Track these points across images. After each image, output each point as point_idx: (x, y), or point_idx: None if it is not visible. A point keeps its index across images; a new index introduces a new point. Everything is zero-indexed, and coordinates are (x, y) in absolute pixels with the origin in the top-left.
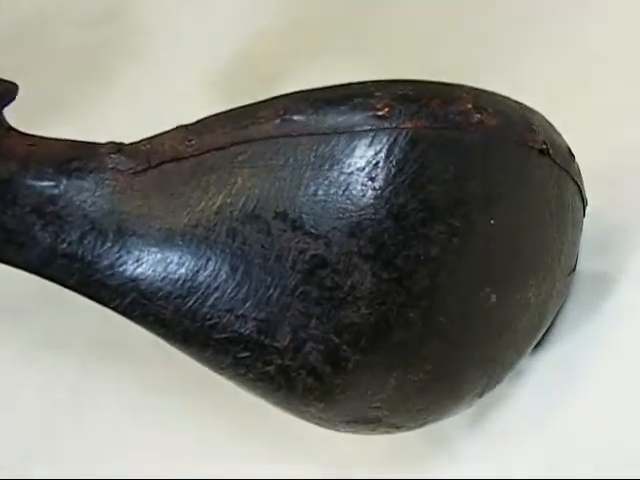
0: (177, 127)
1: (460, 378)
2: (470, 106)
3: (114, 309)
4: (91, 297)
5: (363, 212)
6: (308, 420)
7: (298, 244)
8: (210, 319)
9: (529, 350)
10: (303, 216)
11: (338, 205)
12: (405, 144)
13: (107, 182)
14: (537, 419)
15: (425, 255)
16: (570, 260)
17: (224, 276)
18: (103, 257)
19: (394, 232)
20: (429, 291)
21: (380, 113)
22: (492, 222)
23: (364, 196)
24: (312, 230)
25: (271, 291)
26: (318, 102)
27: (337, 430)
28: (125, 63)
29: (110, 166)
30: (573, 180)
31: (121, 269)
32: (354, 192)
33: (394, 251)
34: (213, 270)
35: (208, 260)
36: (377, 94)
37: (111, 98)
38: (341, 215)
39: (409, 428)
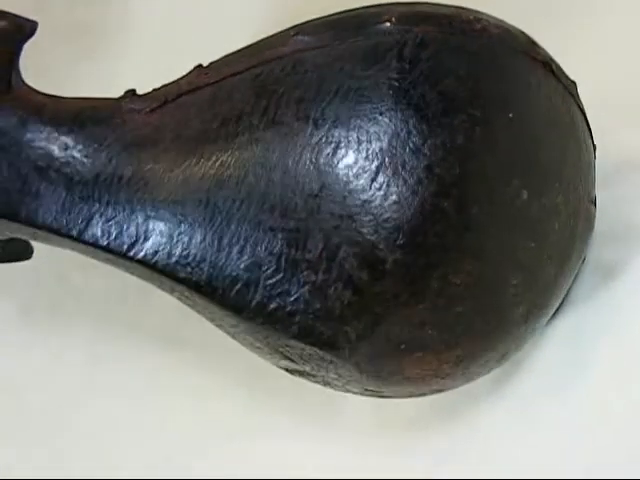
0: (193, 68)
1: (501, 286)
2: (472, 17)
3: (132, 258)
4: (109, 247)
5: (383, 104)
6: (343, 368)
7: (321, 140)
8: (237, 242)
9: (565, 276)
10: (325, 113)
11: (358, 101)
12: (416, 44)
13: (124, 122)
14: (554, 390)
15: (451, 143)
16: (589, 186)
17: (248, 188)
18: (121, 193)
19: (417, 121)
20: (460, 179)
21: (388, 23)
22: (510, 116)
23: (381, 90)
24: (334, 125)
25: (297, 196)
26: (328, 22)
27: (375, 380)
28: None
29: (126, 108)
30: (579, 107)
31: (140, 206)
32: (371, 89)
33: (421, 140)
34: (237, 184)
35: (230, 175)
36: (385, 10)
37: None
38: (361, 110)
39: (454, 362)
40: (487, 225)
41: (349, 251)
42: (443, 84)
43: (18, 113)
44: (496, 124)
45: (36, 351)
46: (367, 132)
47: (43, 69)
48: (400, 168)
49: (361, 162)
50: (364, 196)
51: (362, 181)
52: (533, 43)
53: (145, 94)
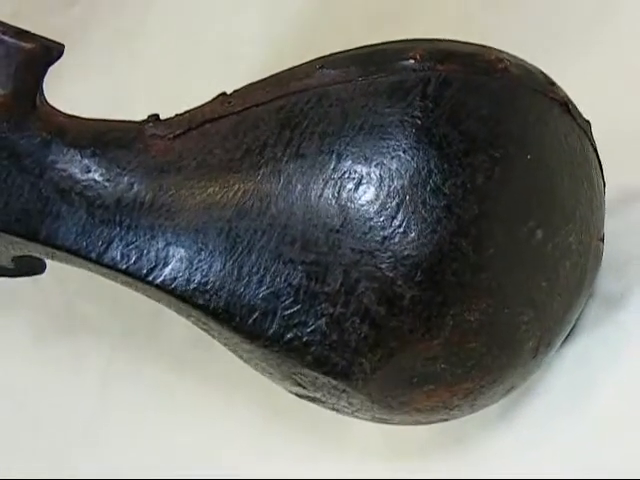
0: (216, 96)
1: (513, 323)
2: (494, 57)
3: (150, 282)
4: (127, 270)
5: (406, 141)
6: (356, 397)
7: (343, 175)
8: (257, 272)
9: (573, 313)
10: (348, 148)
11: (381, 138)
12: (439, 83)
13: (146, 147)
14: (561, 415)
15: (471, 183)
16: (599, 224)
17: (269, 219)
18: (142, 218)
19: (439, 161)
20: (478, 219)
21: (413, 60)
22: (529, 157)
23: (404, 128)
24: (357, 161)
25: (318, 230)
26: (354, 56)
27: (385, 410)
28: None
29: (149, 133)
30: (592, 145)
31: (160, 231)
32: (394, 126)
33: (442, 179)
34: (258, 215)
35: (252, 206)
36: (410, 46)
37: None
38: (384, 146)
39: (464, 394)
40: (503, 264)
41: (368, 286)
42: (465, 124)
43: (42, 135)
44: (515, 165)
45: (50, 374)
46: (389, 169)
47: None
48: (420, 206)
49: (382, 199)
50: (384, 233)
51: (383, 218)
52: (552, 83)
53: (168, 119)
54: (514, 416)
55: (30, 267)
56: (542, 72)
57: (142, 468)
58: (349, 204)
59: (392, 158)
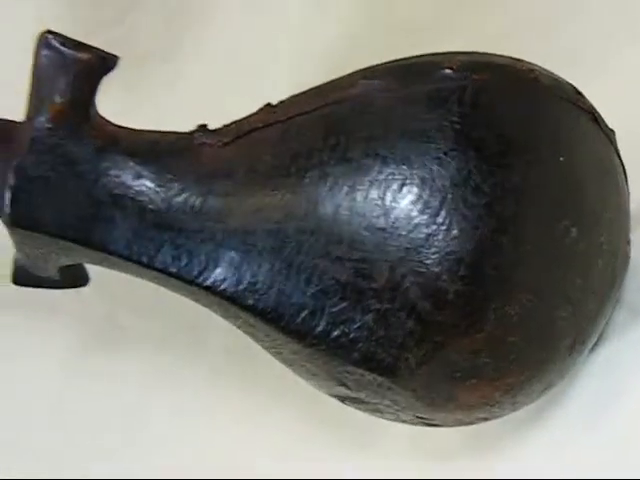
0: (262, 107)
1: (551, 318)
2: (525, 68)
3: (200, 284)
4: (178, 273)
5: (446, 144)
6: (400, 395)
7: (388, 177)
8: (305, 270)
9: (604, 314)
10: (392, 151)
11: (423, 142)
12: (475, 91)
13: (196, 155)
14: (592, 419)
15: (508, 182)
16: (626, 227)
17: (317, 220)
18: (193, 221)
19: (478, 162)
20: (516, 216)
21: (449, 70)
22: (561, 159)
23: (444, 132)
24: (401, 163)
25: (365, 229)
26: (393, 67)
27: (429, 408)
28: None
29: (198, 142)
30: (617, 153)
31: (210, 234)
32: (435, 130)
33: (481, 178)
34: (306, 215)
35: (300, 207)
36: (447, 58)
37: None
38: (426, 149)
39: (505, 390)
40: (540, 260)
41: (413, 281)
42: (500, 128)
43: (96, 142)
44: (548, 166)
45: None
46: (431, 170)
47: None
48: (461, 205)
49: (425, 198)
50: (428, 230)
51: (426, 216)
52: (579, 93)
53: (216, 129)
54: (546, 418)
55: (74, 279)
56: (569, 83)
57: (181, 469)
58: (394, 204)
59: (433, 160)
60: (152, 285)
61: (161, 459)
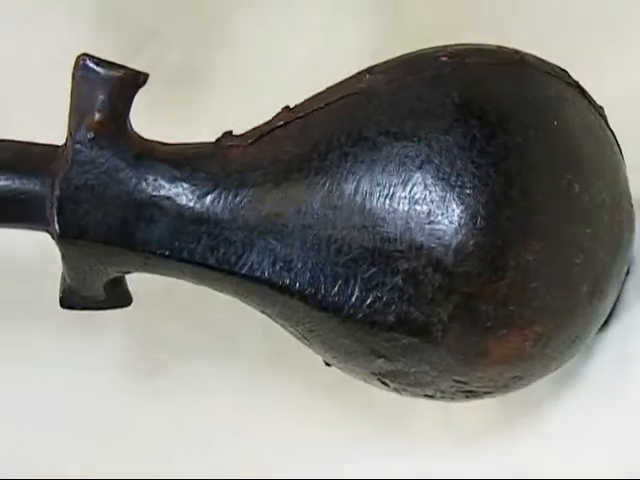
0: (281, 109)
1: (566, 264)
2: (512, 51)
3: (237, 273)
4: (217, 263)
5: (450, 117)
6: (435, 354)
7: (401, 151)
8: (334, 242)
9: (618, 267)
10: (402, 129)
11: (429, 119)
12: (470, 70)
13: (225, 155)
14: (607, 393)
15: (511, 143)
16: (627, 190)
17: (340, 194)
18: (227, 212)
19: (480, 128)
20: (521, 172)
21: (445, 57)
22: (555, 123)
23: (447, 107)
24: (412, 139)
25: (385, 197)
26: (396, 61)
27: (464, 368)
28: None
29: (226, 145)
30: (608, 126)
31: (243, 222)
32: (438, 108)
33: (485, 141)
34: (331, 192)
35: (324, 184)
36: (442, 48)
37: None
38: (433, 124)
39: (534, 340)
40: (550, 210)
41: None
42: (496, 99)
43: (133, 151)
44: (544, 128)
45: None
46: (439, 140)
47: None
48: (470, 166)
49: (437, 163)
50: (443, 192)
51: (440, 181)
52: (564, 71)
53: (240, 134)
54: (563, 398)
55: (118, 299)
56: (555, 64)
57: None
58: (410, 173)
59: (440, 131)
60: (190, 297)
61: (205, 465)
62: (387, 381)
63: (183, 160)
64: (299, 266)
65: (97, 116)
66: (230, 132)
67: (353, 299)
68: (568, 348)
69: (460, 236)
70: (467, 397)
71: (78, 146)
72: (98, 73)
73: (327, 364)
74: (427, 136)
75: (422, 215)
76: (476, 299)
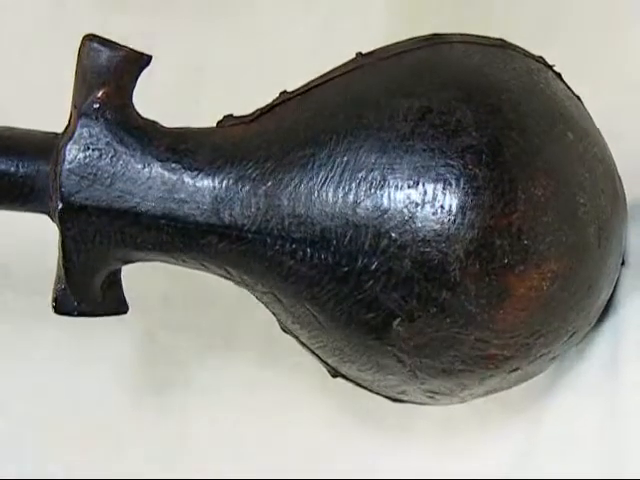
0: (279, 94)
1: (572, 202)
2: (494, 38)
3: (257, 231)
4: (234, 224)
5: (450, 69)
6: (454, 298)
7: (405, 103)
8: (343, 188)
9: (617, 222)
10: (402, 86)
11: (425, 80)
12: (453, 45)
13: (229, 130)
14: (606, 380)
15: (505, 96)
16: (614, 167)
17: (343, 144)
18: (233, 175)
19: (476, 89)
20: (518, 117)
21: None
22: (541, 86)
23: (442, 74)
24: (414, 92)
25: (391, 139)
26: (385, 47)
27: (486, 314)
28: None
29: (228, 124)
30: (585, 110)
31: (252, 182)
32: (432, 72)
33: (481, 98)
34: (337, 144)
35: (328, 138)
36: (427, 36)
37: None
38: (433, 79)
39: (551, 280)
40: (549, 150)
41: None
42: (489, 67)
43: (138, 124)
44: (532, 87)
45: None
46: (438, 94)
47: None
48: (470, 114)
49: (436, 111)
50: (447, 133)
51: (441, 127)
52: (541, 57)
53: (240, 115)
54: (561, 387)
55: (115, 305)
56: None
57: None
58: (412, 122)
59: (436, 86)
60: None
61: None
62: (403, 357)
63: (187, 134)
64: (309, 219)
65: (103, 88)
66: (231, 115)
67: (366, 246)
68: (583, 297)
69: (468, 170)
70: (488, 366)
71: (83, 117)
72: (103, 51)
73: (334, 375)
74: (426, 93)
75: (427, 153)
76: (491, 232)
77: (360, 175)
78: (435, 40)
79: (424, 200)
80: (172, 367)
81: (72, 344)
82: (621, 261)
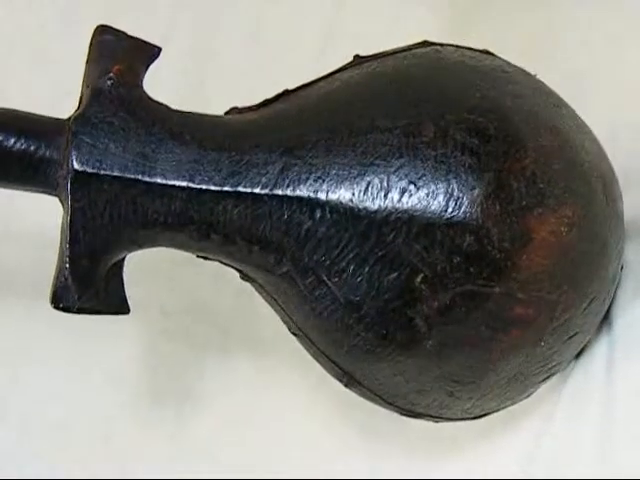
0: (282, 91)
1: (578, 155)
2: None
3: (278, 194)
4: (239, 190)
5: (447, 59)
6: (477, 239)
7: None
8: (359, 146)
9: (613, 186)
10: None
11: (428, 63)
12: (445, 47)
13: (234, 117)
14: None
15: (504, 74)
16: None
17: (360, 103)
18: (247, 142)
19: (476, 64)
20: (516, 88)
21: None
22: (533, 76)
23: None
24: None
25: (404, 102)
26: (377, 54)
27: (509, 253)
28: None
29: (235, 112)
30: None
31: (269, 150)
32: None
33: (482, 71)
34: (351, 103)
35: (337, 96)
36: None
37: None
38: (431, 65)
39: (567, 226)
40: (549, 116)
41: (457, 127)
42: (477, 58)
43: (150, 98)
44: (524, 72)
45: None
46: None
47: None
48: (474, 83)
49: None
50: (455, 94)
51: (452, 87)
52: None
53: (246, 106)
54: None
55: (116, 304)
56: None
57: None
58: (429, 79)
59: (434, 75)
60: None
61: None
62: (426, 327)
63: (198, 115)
64: (332, 180)
65: (116, 66)
66: (236, 107)
67: (388, 199)
68: (600, 256)
69: (478, 124)
70: (513, 332)
71: (96, 92)
72: (115, 40)
73: (346, 384)
74: (425, 77)
75: (439, 110)
76: (507, 175)
77: (373, 134)
78: (426, 44)
79: (441, 147)
80: (171, 375)
81: (71, 353)
82: (621, 265)
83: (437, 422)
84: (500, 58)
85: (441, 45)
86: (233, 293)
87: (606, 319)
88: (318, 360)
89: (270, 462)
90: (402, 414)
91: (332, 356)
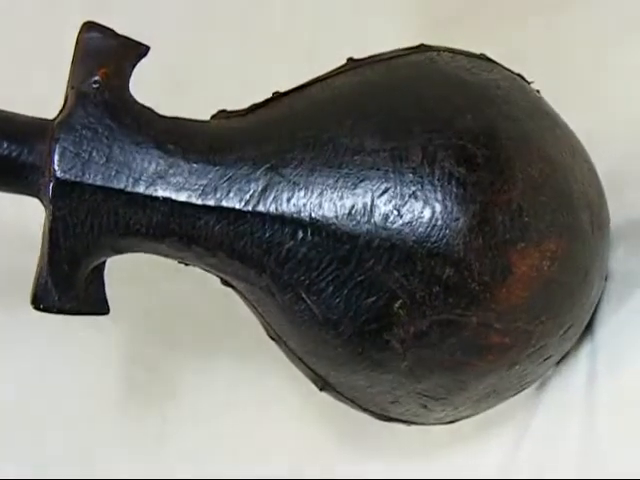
0: (272, 94)
1: (567, 186)
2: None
3: (260, 212)
4: (238, 208)
5: (441, 69)
6: (458, 273)
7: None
8: (345, 167)
9: (603, 213)
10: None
11: (419, 72)
12: (440, 53)
13: (221, 122)
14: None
15: (498, 90)
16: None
17: (350, 119)
18: (234, 154)
19: (470, 78)
20: (510, 109)
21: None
22: (528, 89)
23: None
24: (409, 87)
25: (392, 120)
26: (369, 57)
27: (489, 284)
28: None
29: (224, 116)
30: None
31: (254, 162)
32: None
33: (476, 87)
34: (340, 121)
35: (332, 111)
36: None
37: None
38: (424, 75)
39: (550, 259)
40: (541, 139)
41: (445, 154)
42: (471, 70)
43: (136, 106)
44: (519, 87)
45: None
46: (432, 92)
47: None
48: (466, 102)
49: (433, 99)
50: (447, 115)
51: (444, 106)
52: (520, 74)
53: (235, 110)
54: (544, 400)
55: (96, 304)
56: None
57: None
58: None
59: (427, 85)
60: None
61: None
62: (402, 348)
63: (183, 122)
64: (310, 197)
65: (102, 69)
66: (224, 110)
67: (373, 220)
68: (581, 284)
69: (467, 151)
70: (488, 358)
71: (81, 96)
72: (102, 37)
73: (321, 388)
74: (419, 88)
75: (428, 135)
76: (492, 208)
77: (360, 156)
78: (422, 49)
79: (427, 175)
80: (155, 378)
81: (54, 355)
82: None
83: (409, 426)
84: (497, 64)
85: (438, 52)
86: (216, 295)
87: (588, 328)
88: (295, 364)
89: (256, 462)
90: (376, 418)
91: (309, 363)
